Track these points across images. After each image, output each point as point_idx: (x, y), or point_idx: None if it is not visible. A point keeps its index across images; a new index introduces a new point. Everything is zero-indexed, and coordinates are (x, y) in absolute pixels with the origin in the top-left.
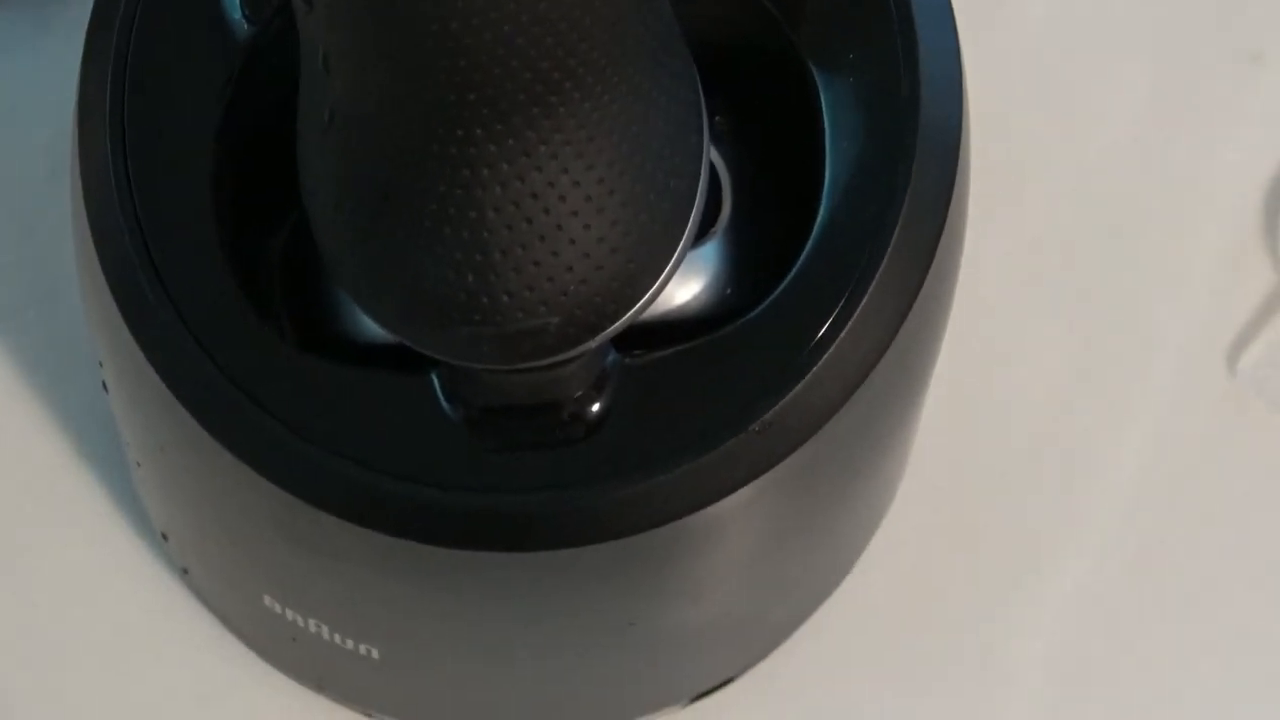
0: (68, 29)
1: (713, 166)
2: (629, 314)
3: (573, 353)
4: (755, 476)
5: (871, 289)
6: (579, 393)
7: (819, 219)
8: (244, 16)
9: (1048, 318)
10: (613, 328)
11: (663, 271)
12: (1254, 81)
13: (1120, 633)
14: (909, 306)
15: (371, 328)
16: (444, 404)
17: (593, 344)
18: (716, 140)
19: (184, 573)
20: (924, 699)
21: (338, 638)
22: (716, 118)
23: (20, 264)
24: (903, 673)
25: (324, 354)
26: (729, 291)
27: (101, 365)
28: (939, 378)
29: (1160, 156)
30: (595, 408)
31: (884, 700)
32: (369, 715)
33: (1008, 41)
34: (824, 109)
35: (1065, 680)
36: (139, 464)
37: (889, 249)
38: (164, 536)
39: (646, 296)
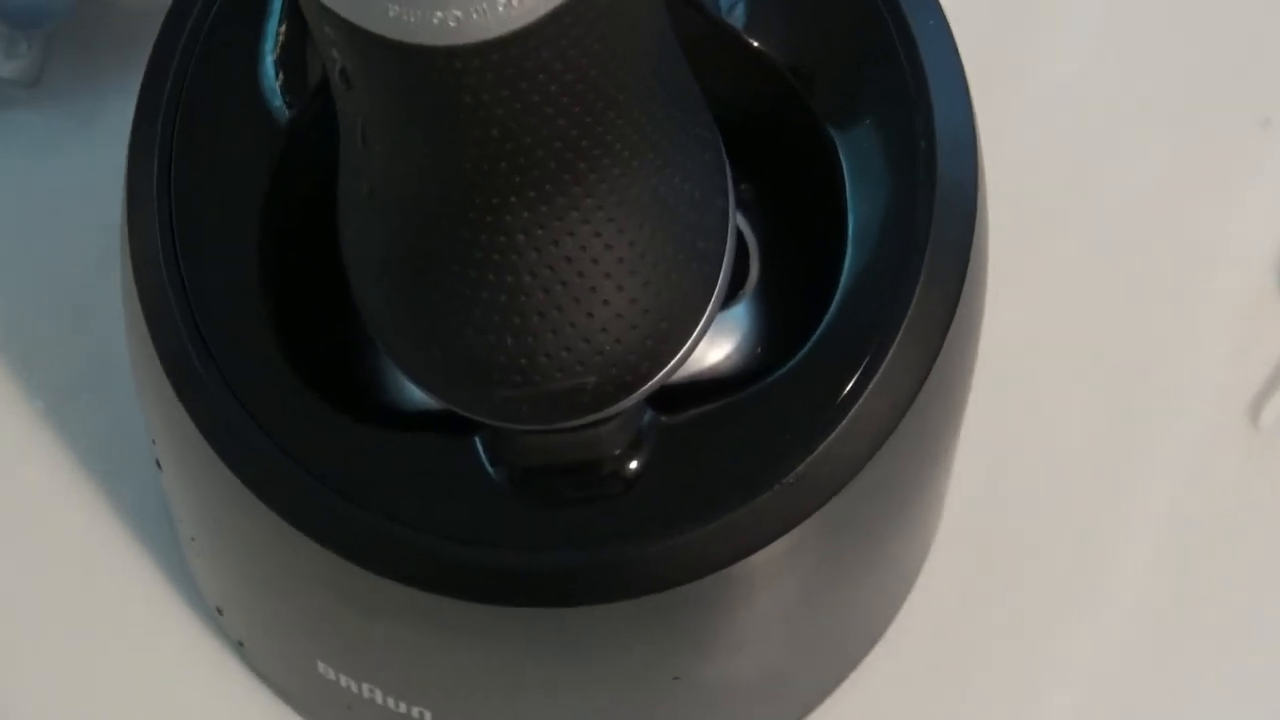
0: (111, 124)
1: (740, 231)
2: (663, 372)
3: (609, 411)
4: (790, 528)
5: (895, 344)
6: (617, 451)
7: (843, 278)
8: (283, 102)
9: (1073, 376)
10: (647, 386)
11: (694, 330)
12: (1264, 145)
13: (1153, 682)
14: (932, 361)
15: (417, 394)
16: (488, 466)
17: (628, 402)
18: (744, 206)
19: (239, 646)
20: None
21: (391, 702)
22: (743, 185)
23: (73, 350)
24: None
25: (372, 422)
26: (759, 351)
27: (154, 443)
28: (968, 438)
29: (1176, 219)
30: (633, 465)
31: None
32: None
33: (1026, 112)
34: (845, 173)
35: None
36: (193, 539)
37: (911, 305)
38: (219, 611)
39: (679, 354)
